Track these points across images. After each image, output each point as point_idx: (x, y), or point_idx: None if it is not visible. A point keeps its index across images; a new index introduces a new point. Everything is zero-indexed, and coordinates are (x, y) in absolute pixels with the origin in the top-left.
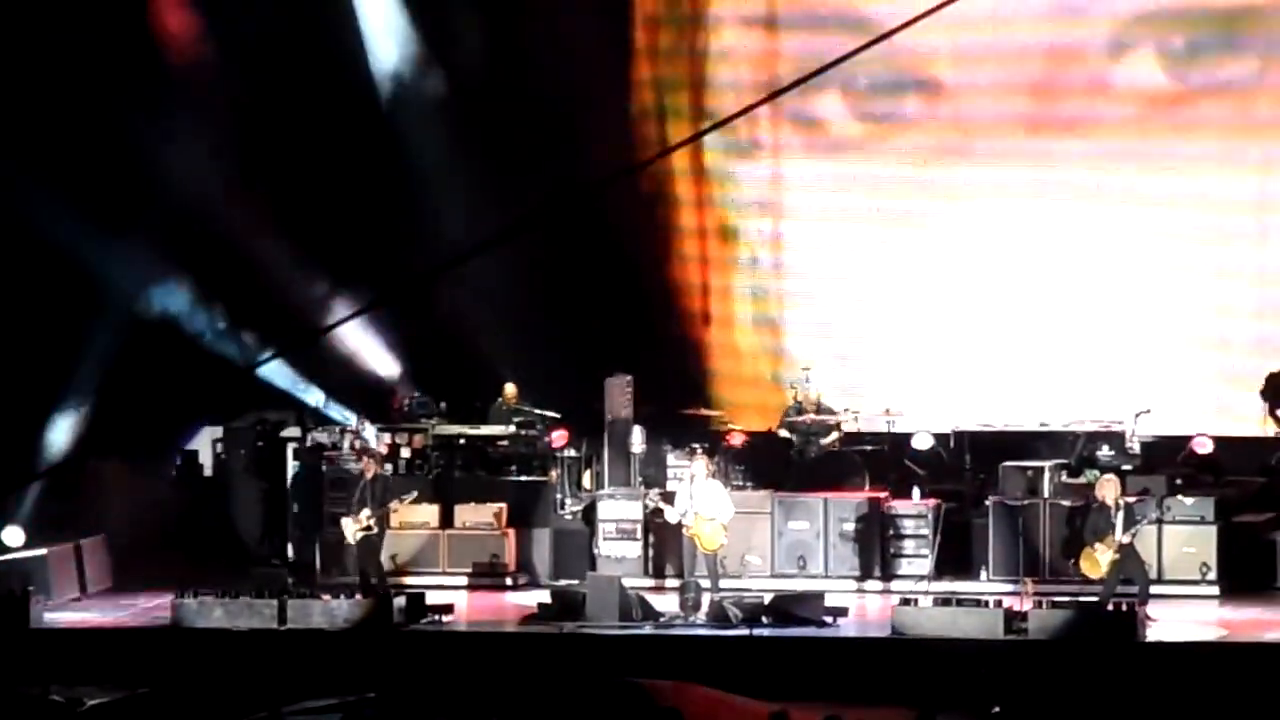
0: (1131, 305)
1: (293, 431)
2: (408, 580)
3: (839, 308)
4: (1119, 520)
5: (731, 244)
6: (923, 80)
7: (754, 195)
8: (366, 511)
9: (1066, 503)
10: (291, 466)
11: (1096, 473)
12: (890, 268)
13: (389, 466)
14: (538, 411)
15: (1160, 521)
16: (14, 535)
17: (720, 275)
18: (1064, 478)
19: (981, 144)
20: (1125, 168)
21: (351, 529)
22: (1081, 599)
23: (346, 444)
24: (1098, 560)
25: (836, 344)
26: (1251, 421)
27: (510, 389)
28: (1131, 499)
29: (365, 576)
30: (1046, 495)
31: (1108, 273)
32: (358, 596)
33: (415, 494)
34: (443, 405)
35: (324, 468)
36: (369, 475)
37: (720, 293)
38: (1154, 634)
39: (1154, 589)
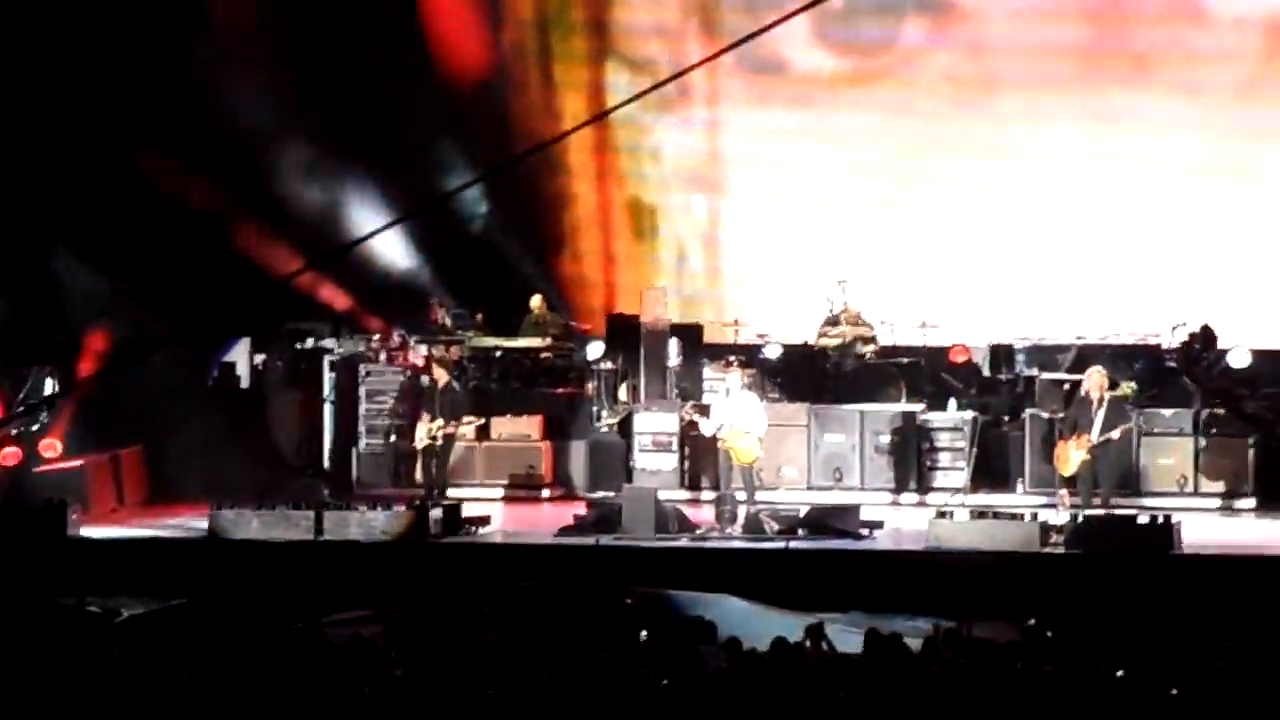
0: (1169, 218)
1: (329, 343)
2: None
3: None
4: (1098, 418)
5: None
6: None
7: (682, 164)
8: (439, 422)
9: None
10: (328, 378)
11: (1133, 384)
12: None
13: (424, 379)
14: (569, 324)
15: (1138, 432)
16: (51, 446)
17: (633, 275)
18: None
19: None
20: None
21: (420, 434)
22: (1117, 512)
23: (384, 355)
24: (1069, 457)
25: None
26: None
27: (537, 300)
28: (1118, 395)
29: (431, 484)
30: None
31: (1144, 188)
32: (395, 507)
33: (479, 420)
34: (479, 317)
35: (361, 378)
36: (440, 384)
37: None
38: (1190, 545)
39: (1192, 502)
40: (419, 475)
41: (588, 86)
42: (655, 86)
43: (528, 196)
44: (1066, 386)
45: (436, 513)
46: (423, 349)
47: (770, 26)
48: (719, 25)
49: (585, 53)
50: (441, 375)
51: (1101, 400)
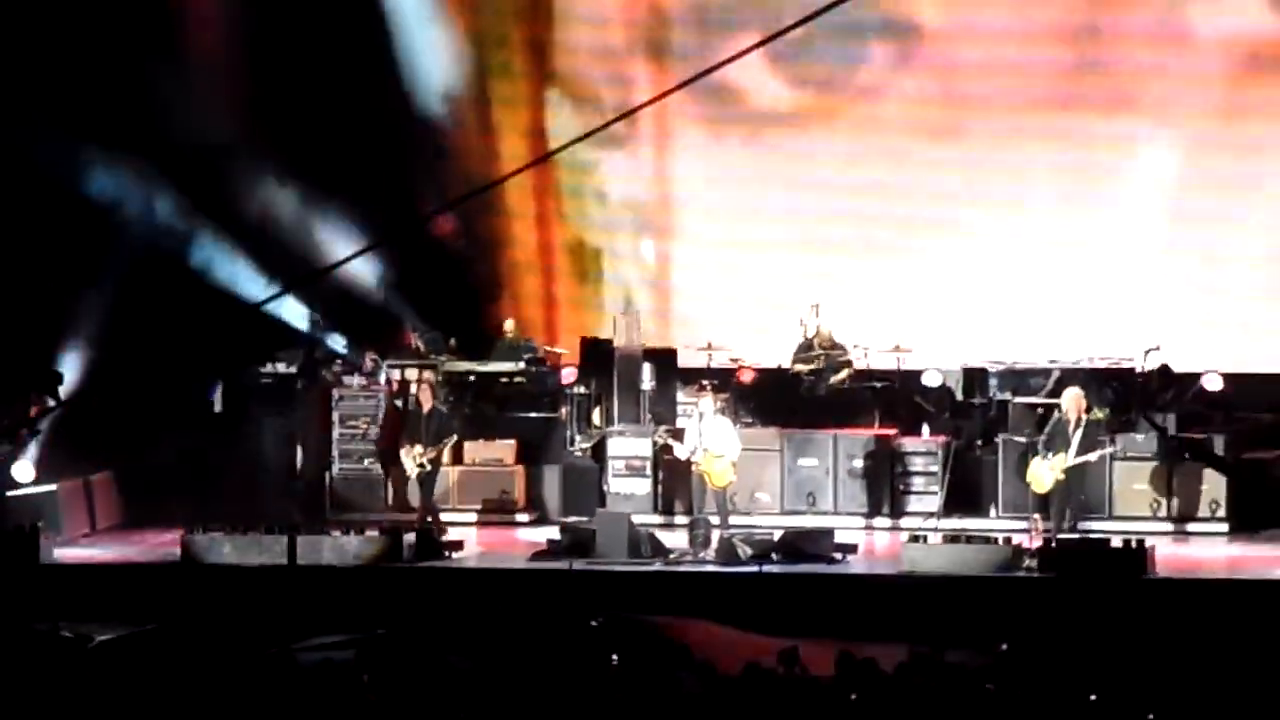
0: (1142, 241)
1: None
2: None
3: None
4: (1075, 439)
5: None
6: (895, 23)
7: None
8: (420, 448)
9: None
10: (302, 402)
11: (1107, 410)
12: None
13: (398, 403)
14: (543, 347)
15: (1112, 457)
16: (24, 470)
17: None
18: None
19: (980, 120)
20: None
21: (410, 463)
22: (1090, 535)
23: (356, 380)
24: (1041, 476)
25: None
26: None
27: (510, 324)
28: (1094, 417)
29: (426, 509)
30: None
31: (1118, 211)
32: (368, 532)
33: (454, 439)
34: (452, 341)
35: (334, 403)
36: (425, 409)
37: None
38: (1163, 570)
39: (1165, 526)
40: (414, 501)
41: (528, 112)
42: (605, 125)
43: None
44: (1040, 410)
45: (410, 537)
46: (395, 374)
47: (726, 62)
48: (667, 47)
49: (524, 75)
50: (427, 400)
51: (1079, 421)
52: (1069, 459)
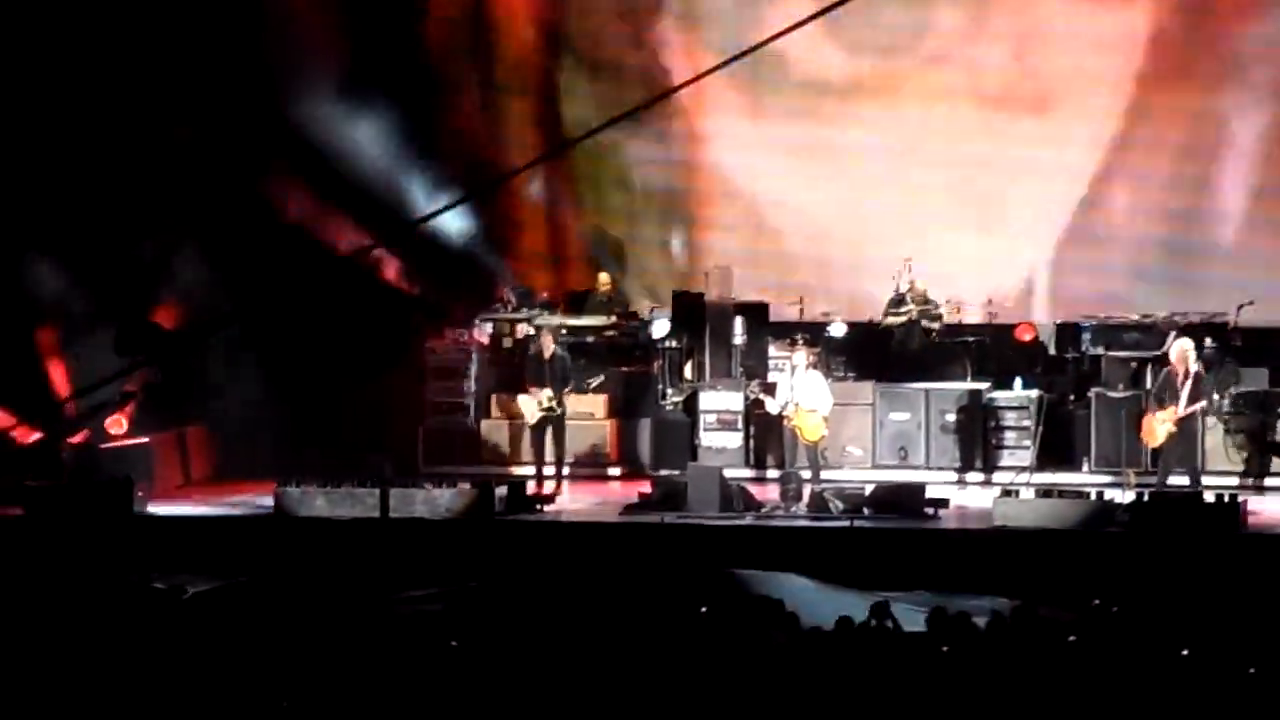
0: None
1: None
2: (513, 469)
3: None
4: (1185, 391)
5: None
6: None
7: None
8: (549, 392)
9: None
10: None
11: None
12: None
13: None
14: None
15: (1219, 410)
16: (118, 423)
17: None
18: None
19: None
20: None
21: (531, 408)
22: (1183, 489)
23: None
24: (1155, 429)
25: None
26: None
27: (604, 277)
28: (1202, 370)
29: (540, 459)
30: (1148, 385)
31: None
32: (460, 485)
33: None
34: (544, 294)
35: (427, 356)
36: (547, 354)
37: None
38: (1256, 525)
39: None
40: (527, 452)
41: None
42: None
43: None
44: (1134, 365)
45: (501, 490)
46: (488, 327)
47: (778, 36)
48: (697, 10)
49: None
50: (549, 345)
51: (1188, 374)
52: (1180, 410)
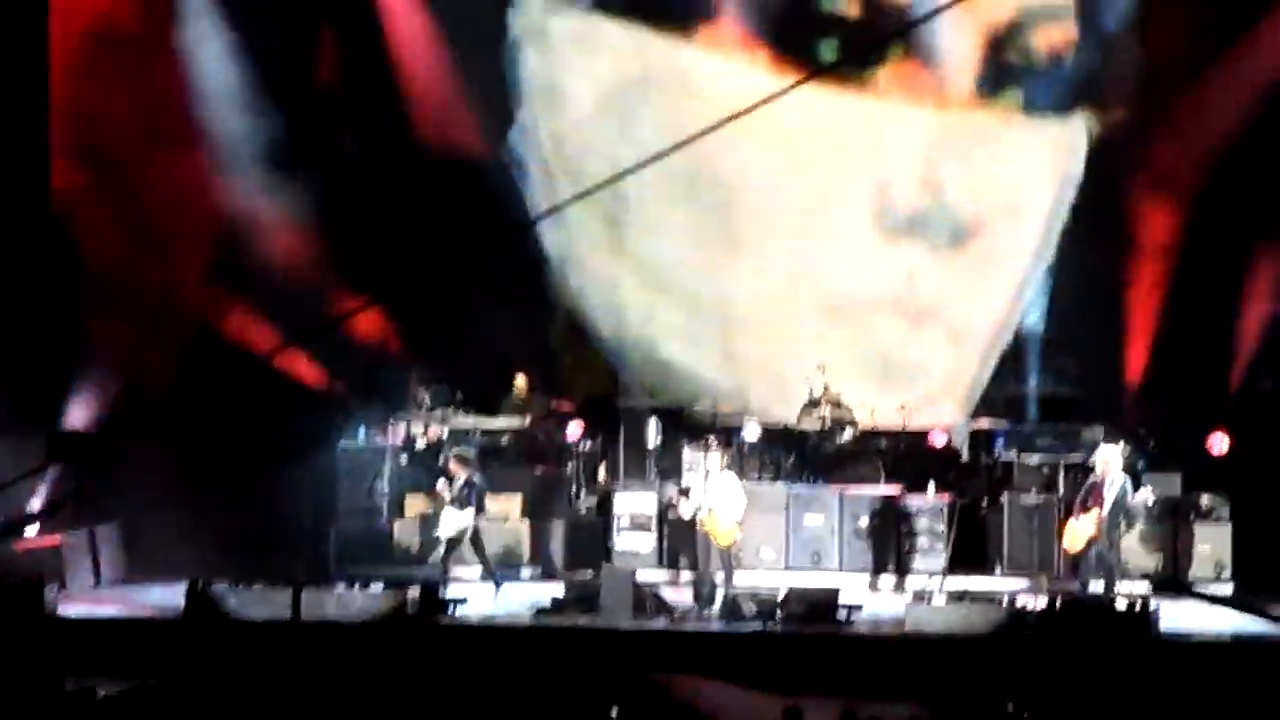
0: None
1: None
2: (419, 571)
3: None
4: (1109, 495)
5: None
6: None
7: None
8: (471, 510)
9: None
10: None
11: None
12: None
13: (404, 457)
14: (550, 403)
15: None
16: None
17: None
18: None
19: None
20: None
21: (449, 524)
22: (1095, 595)
23: (362, 434)
24: (1076, 532)
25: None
26: None
27: (521, 380)
28: (1128, 476)
29: (486, 564)
30: (1061, 491)
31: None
32: (373, 587)
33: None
34: (459, 396)
35: (339, 458)
36: (461, 480)
37: None
38: (1167, 630)
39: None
40: (433, 558)
41: None
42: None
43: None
44: (1046, 470)
45: (414, 592)
46: (401, 427)
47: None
48: None
49: None
50: (460, 473)
51: (1112, 479)
52: (1102, 515)
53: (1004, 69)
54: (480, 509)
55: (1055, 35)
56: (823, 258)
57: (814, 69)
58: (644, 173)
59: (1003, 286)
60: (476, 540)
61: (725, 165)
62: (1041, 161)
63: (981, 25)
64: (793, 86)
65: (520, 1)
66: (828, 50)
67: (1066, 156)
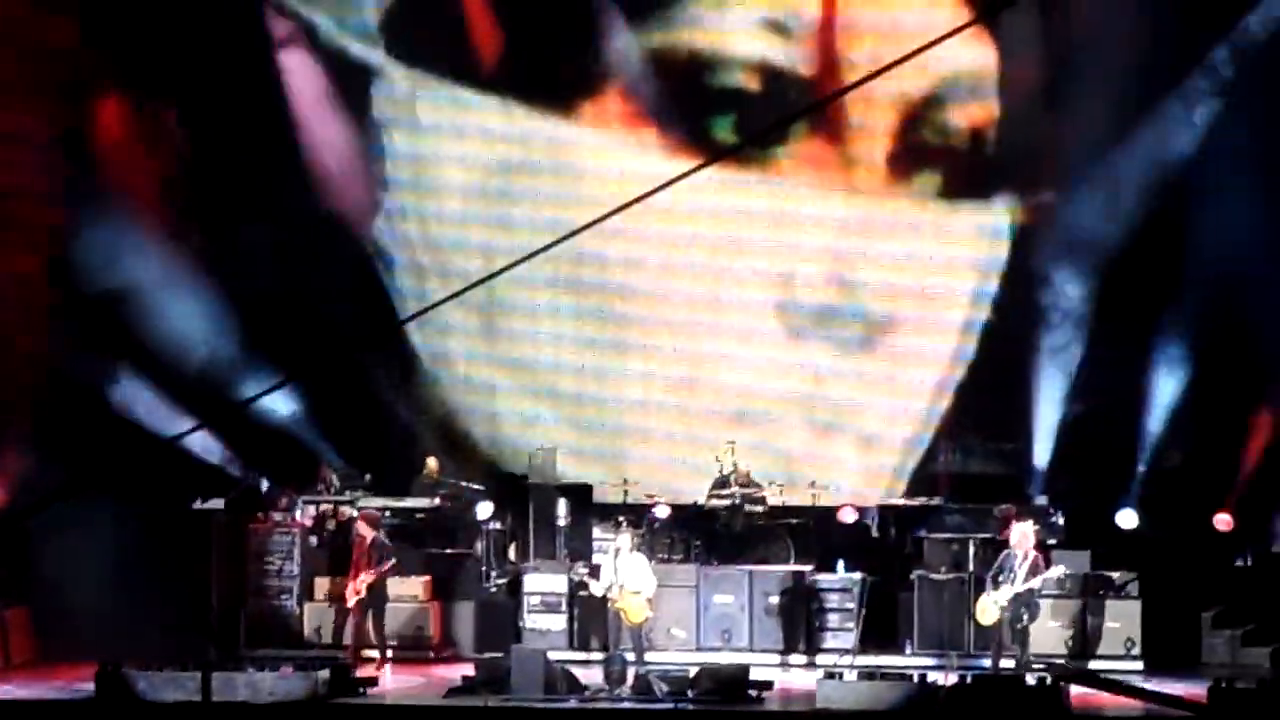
0: None
1: (215, 503)
2: (336, 653)
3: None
4: (1020, 570)
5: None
6: None
7: None
8: (365, 575)
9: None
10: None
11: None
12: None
13: (313, 539)
14: (462, 484)
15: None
16: None
17: None
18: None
19: None
20: None
21: (349, 592)
22: (1005, 672)
23: (272, 516)
24: (988, 607)
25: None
26: None
27: (433, 462)
28: (1040, 554)
29: (358, 644)
30: (971, 568)
31: None
32: (283, 669)
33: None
34: (368, 477)
35: (250, 537)
36: (368, 539)
37: None
38: (1078, 707)
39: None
40: (347, 636)
41: None
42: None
43: None
44: (955, 547)
45: (324, 673)
46: (311, 509)
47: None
48: None
49: None
50: (368, 532)
51: (1026, 554)
52: (1015, 590)
53: (920, 149)
54: (384, 564)
55: (976, 112)
56: (721, 358)
57: (710, 151)
58: (521, 267)
59: (919, 389)
60: (377, 603)
61: (611, 257)
62: (961, 250)
63: (896, 99)
64: (690, 173)
65: (383, 77)
66: (723, 128)
67: (988, 244)
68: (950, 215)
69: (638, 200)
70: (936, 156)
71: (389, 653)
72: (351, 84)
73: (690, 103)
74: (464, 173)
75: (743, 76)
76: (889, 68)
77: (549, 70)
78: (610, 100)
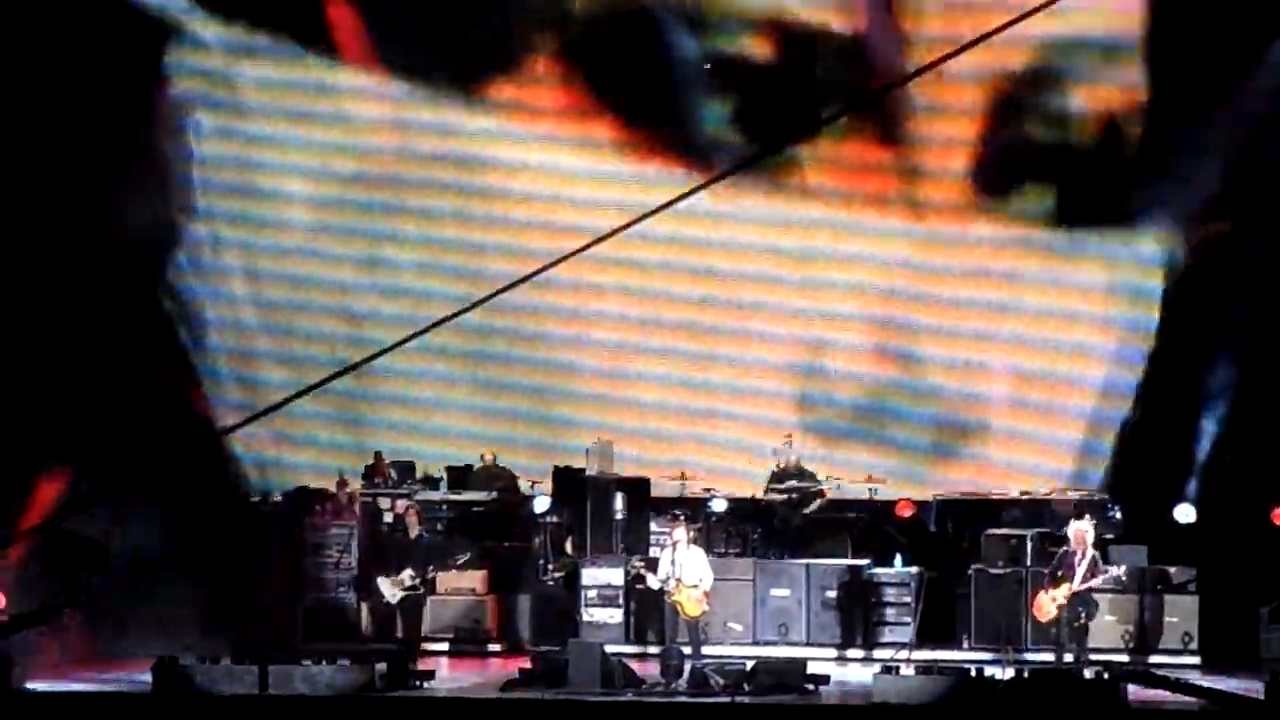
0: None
1: (275, 496)
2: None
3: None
4: (1080, 568)
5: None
6: None
7: None
8: (409, 572)
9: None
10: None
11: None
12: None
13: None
14: (516, 477)
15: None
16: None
17: None
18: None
19: None
20: None
21: (395, 589)
22: (1063, 667)
23: (330, 506)
24: (1047, 604)
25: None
26: None
27: (488, 454)
28: (1097, 552)
29: (407, 639)
30: (1029, 563)
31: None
32: (340, 661)
33: (468, 555)
34: (426, 471)
35: (306, 531)
36: (413, 534)
37: None
38: (1135, 702)
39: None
40: (399, 630)
41: None
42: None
43: None
44: (1013, 541)
45: (382, 666)
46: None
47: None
48: None
49: None
50: (415, 525)
51: (1084, 552)
52: (1073, 587)
53: (1021, 150)
54: (429, 562)
55: (1111, 93)
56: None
57: (696, 155)
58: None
59: None
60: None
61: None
62: (1086, 306)
63: (982, 75)
64: (673, 200)
65: (187, 35)
66: (716, 120)
67: (1129, 296)
68: (1071, 250)
69: (599, 241)
70: (1048, 162)
71: (442, 645)
72: (135, 45)
73: (663, 80)
74: (313, 183)
75: (748, 40)
76: (986, 37)
77: (445, 33)
78: (537, 77)
